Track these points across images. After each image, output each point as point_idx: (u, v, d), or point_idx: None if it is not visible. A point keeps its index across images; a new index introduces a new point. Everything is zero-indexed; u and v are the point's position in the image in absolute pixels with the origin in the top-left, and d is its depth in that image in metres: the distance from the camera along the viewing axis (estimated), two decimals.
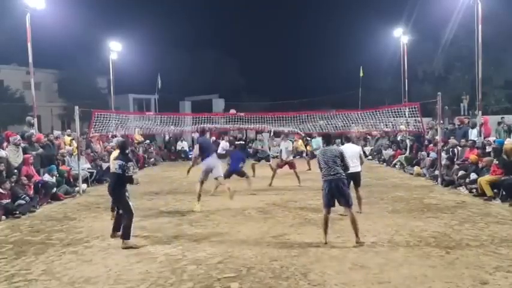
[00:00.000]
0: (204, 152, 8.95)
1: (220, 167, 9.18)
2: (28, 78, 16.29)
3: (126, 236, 6.31)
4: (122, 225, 6.44)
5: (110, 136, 16.44)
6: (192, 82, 45.70)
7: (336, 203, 6.36)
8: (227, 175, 10.67)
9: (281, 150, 12.34)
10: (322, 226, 6.32)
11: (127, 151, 6.92)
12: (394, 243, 6.09)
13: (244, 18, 66.80)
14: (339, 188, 6.17)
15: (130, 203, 6.56)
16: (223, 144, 17.34)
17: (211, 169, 8.95)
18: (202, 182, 8.98)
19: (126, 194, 6.61)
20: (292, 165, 12.00)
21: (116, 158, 6.70)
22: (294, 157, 12.87)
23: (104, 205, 9.80)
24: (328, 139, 6.72)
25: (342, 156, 6.31)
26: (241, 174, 11.29)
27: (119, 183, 6.55)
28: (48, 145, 12.15)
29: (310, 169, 14.63)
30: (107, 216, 8.55)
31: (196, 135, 17.82)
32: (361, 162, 8.17)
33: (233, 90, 43.27)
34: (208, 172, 8.99)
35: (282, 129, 19.05)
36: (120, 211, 6.68)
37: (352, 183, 7.76)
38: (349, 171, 7.24)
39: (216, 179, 9.20)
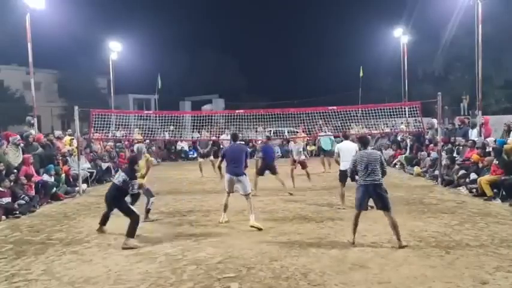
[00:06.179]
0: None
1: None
2: (28, 78, 16.30)
3: (130, 234, 6.30)
4: (129, 223, 6.41)
5: (110, 136, 16.41)
6: (192, 82, 45.76)
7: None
8: (260, 172, 10.85)
9: (291, 150, 12.45)
10: (352, 226, 6.20)
11: (136, 166, 6.79)
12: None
13: (244, 18, 67.05)
14: (377, 193, 6.03)
15: (132, 207, 6.62)
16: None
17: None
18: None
19: (127, 201, 6.70)
20: (303, 165, 12.03)
21: (122, 171, 6.75)
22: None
23: (104, 205, 9.79)
24: (365, 142, 6.48)
25: (381, 161, 6.15)
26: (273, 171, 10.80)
27: (120, 195, 6.58)
28: (48, 145, 12.15)
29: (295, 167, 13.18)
30: None
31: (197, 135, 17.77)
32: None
33: (233, 90, 43.30)
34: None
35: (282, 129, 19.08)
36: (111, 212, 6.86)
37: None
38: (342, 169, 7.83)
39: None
